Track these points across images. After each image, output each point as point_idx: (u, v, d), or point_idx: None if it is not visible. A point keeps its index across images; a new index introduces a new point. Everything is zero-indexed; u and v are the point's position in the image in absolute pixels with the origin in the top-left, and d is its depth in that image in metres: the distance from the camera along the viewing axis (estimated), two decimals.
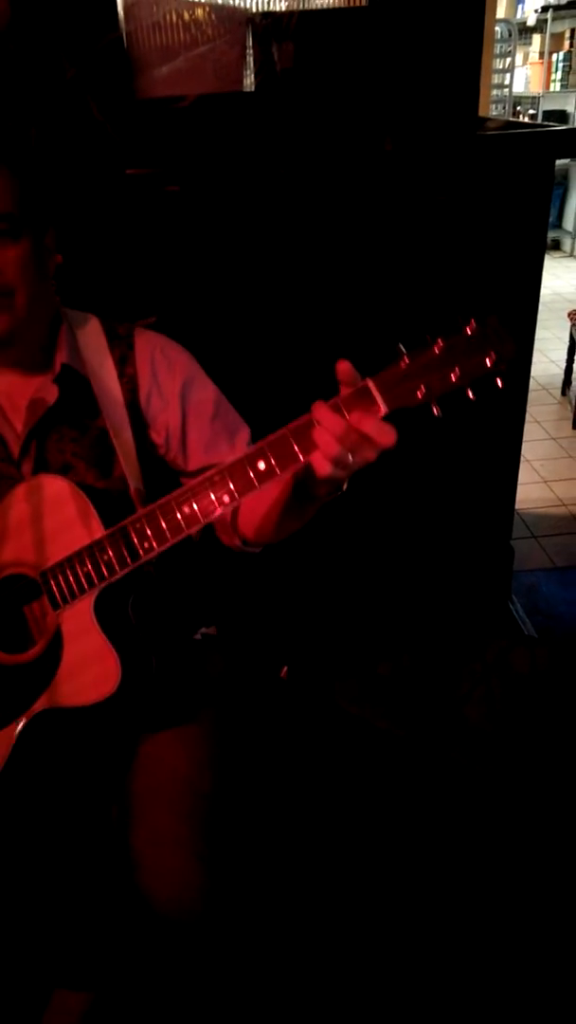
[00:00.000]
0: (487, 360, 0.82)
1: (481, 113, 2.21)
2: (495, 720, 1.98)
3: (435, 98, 1.87)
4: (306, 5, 1.89)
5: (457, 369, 0.83)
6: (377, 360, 0.86)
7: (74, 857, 1.27)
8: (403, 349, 0.85)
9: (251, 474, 0.91)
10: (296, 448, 0.88)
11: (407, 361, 0.84)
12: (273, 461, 0.89)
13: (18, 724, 1.05)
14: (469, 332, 0.83)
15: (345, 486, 0.95)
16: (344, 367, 0.87)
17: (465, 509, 2.29)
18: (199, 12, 1.87)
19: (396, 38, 1.84)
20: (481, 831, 1.75)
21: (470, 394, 0.84)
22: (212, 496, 0.93)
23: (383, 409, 0.85)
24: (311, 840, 1.74)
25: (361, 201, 1.87)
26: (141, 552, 0.98)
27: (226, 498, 0.93)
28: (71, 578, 1.02)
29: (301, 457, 0.89)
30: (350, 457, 0.86)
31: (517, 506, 2.59)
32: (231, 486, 0.92)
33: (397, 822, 1.78)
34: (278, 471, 0.90)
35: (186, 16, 1.86)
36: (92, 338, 1.18)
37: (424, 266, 1.93)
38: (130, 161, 1.81)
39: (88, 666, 1.02)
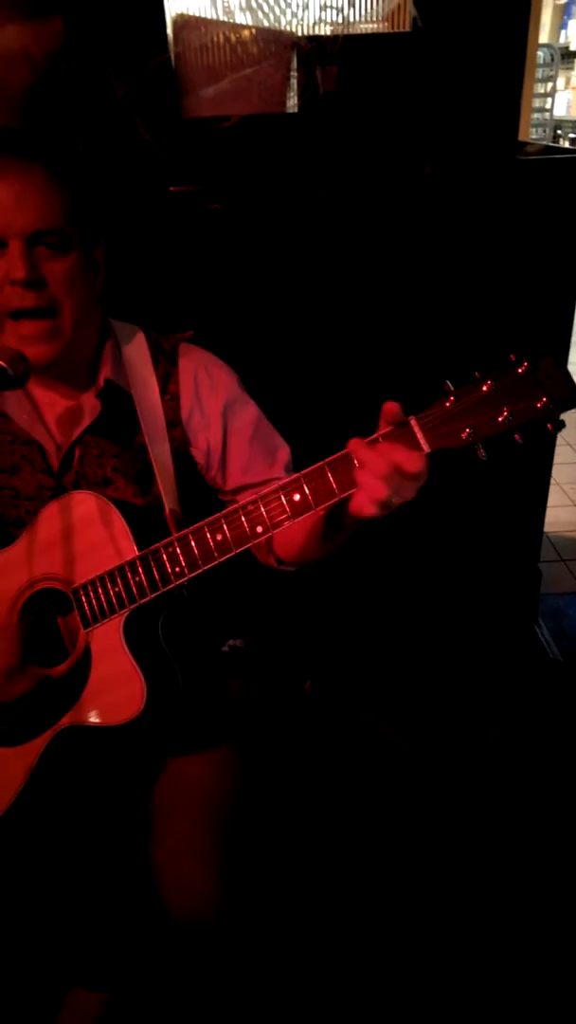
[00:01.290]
0: (538, 404, 0.78)
1: (521, 137, 2.23)
2: (516, 742, 1.97)
3: (476, 122, 1.89)
4: (350, 29, 1.92)
5: (505, 411, 0.79)
6: (415, 387, 0.85)
7: (95, 866, 1.29)
8: (451, 387, 0.82)
9: (286, 505, 0.90)
10: (333, 484, 0.87)
11: (453, 399, 0.81)
12: (309, 494, 0.89)
13: (45, 738, 1.07)
14: (521, 372, 0.79)
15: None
16: (391, 408, 0.84)
17: (494, 530, 2.29)
18: (246, 35, 1.91)
19: (439, 62, 1.86)
20: (492, 849, 1.74)
21: (518, 438, 0.81)
22: (245, 525, 0.93)
23: (425, 448, 0.83)
24: (324, 852, 1.74)
25: (398, 223, 1.89)
26: (172, 577, 0.98)
27: (259, 528, 0.92)
28: (102, 597, 1.03)
29: (337, 492, 0.87)
30: (395, 499, 0.84)
31: (546, 529, 2.58)
32: (264, 516, 0.92)
33: (410, 837, 1.77)
34: (313, 505, 0.89)
35: (233, 39, 1.90)
36: (137, 353, 1.19)
37: (460, 287, 1.94)
38: (174, 179, 1.85)
39: (114, 688, 1.03)
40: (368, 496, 0.84)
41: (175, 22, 1.89)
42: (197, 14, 1.90)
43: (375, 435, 0.86)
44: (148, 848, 1.11)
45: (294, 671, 2.06)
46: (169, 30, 1.87)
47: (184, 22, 1.90)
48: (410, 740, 1.96)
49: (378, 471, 0.82)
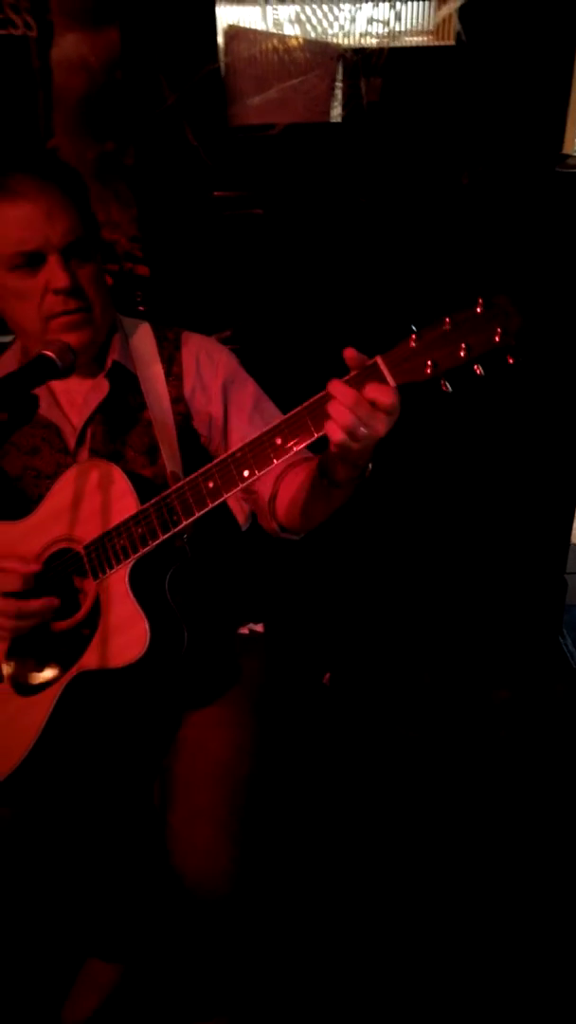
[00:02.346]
0: (495, 337, 0.84)
1: (566, 149, 2.25)
2: (536, 751, 1.99)
3: (517, 134, 1.92)
4: (396, 42, 1.96)
5: (463, 345, 0.86)
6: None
7: (112, 830, 1.35)
8: (414, 328, 0.89)
9: (268, 450, 0.98)
10: (310, 423, 0.95)
11: (415, 337, 0.88)
12: (289, 436, 0.96)
13: (60, 684, 1.13)
14: (479, 310, 0.86)
15: (369, 470, 1.01)
16: (350, 353, 0.92)
17: (520, 539, 2.30)
18: (293, 46, 1.97)
19: (482, 75, 1.90)
20: (499, 851, 1.76)
21: (478, 370, 0.87)
22: (233, 471, 1.01)
23: (391, 383, 0.90)
24: (329, 836, 1.78)
25: (436, 232, 1.93)
26: (170, 524, 1.06)
27: (245, 472, 0.99)
28: (109, 551, 1.11)
29: (314, 432, 0.95)
30: (362, 428, 0.90)
31: (573, 539, 2.58)
32: (251, 460, 0.99)
33: (417, 835, 1.80)
34: (293, 446, 0.96)
35: (281, 50, 1.96)
36: (143, 341, 1.28)
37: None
38: (219, 184, 1.92)
39: (122, 631, 1.10)
40: (337, 423, 0.91)
41: (226, 33, 1.97)
42: (247, 26, 1.97)
43: (347, 376, 0.92)
44: (166, 814, 1.16)
45: (314, 662, 2.11)
46: (220, 41, 1.94)
47: (234, 33, 1.97)
48: (425, 742, 1.98)
49: (347, 401, 0.90)
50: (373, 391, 0.90)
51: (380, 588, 2.28)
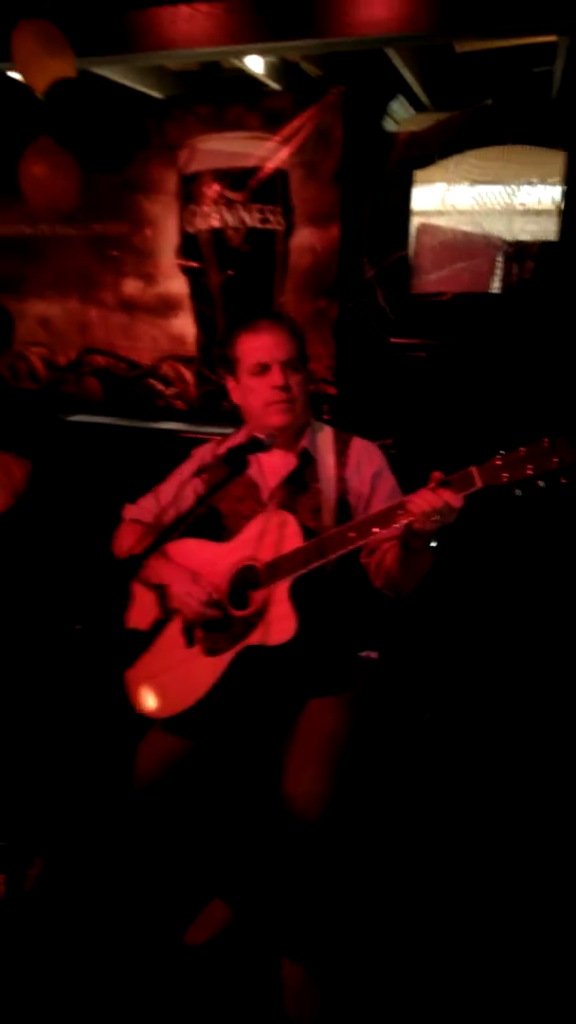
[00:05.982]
0: (552, 464, 1.32)
1: None
2: None
3: None
4: (546, 237, 2.56)
5: (530, 466, 1.33)
6: None
7: (252, 774, 1.82)
8: (500, 452, 1.38)
9: (392, 519, 1.49)
10: (397, 512, 1.46)
11: (500, 459, 1.37)
12: (406, 511, 1.46)
13: (233, 651, 1.65)
14: (544, 445, 1.33)
15: (433, 544, 1.50)
16: (438, 474, 1.41)
17: None
18: (466, 238, 2.63)
19: None
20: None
21: (540, 483, 1.34)
22: (367, 528, 1.53)
23: (479, 484, 1.38)
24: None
25: (547, 385, 2.42)
26: (321, 557, 1.56)
27: (375, 529, 1.52)
28: (278, 569, 1.63)
29: (400, 518, 1.45)
30: (436, 518, 1.40)
31: None
32: (380, 522, 1.51)
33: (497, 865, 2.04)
34: (403, 518, 1.46)
35: (457, 241, 2.63)
36: (325, 439, 1.83)
37: None
38: (396, 333, 2.58)
39: (279, 622, 1.60)
40: (418, 511, 1.39)
41: (417, 228, 2.68)
42: (433, 223, 2.67)
43: (445, 478, 1.42)
44: (284, 759, 1.63)
45: (417, 698, 2.48)
46: (411, 234, 2.65)
47: (423, 228, 2.68)
48: (513, 786, 2.23)
49: (435, 502, 1.39)
50: (449, 495, 1.39)
51: (485, 647, 2.61)
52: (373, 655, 1.95)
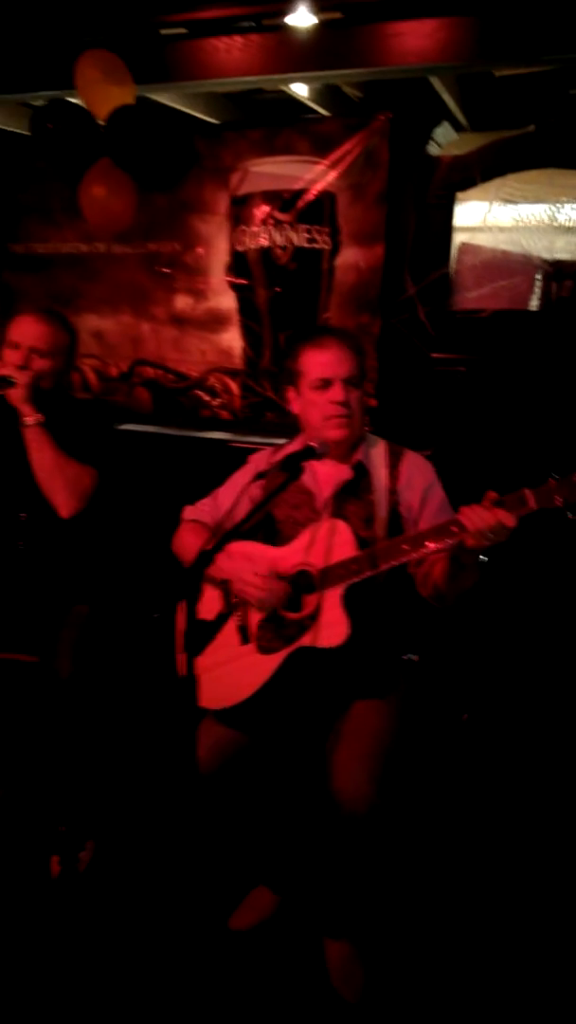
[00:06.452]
0: None
1: None
2: None
3: None
4: None
5: None
6: None
7: (293, 773, 1.91)
8: (554, 475, 1.45)
9: (445, 533, 1.57)
10: (451, 528, 1.53)
11: (552, 481, 1.44)
12: (458, 527, 1.54)
13: (287, 650, 1.74)
14: None
15: (483, 558, 1.56)
16: (492, 494, 1.47)
17: None
18: (506, 257, 2.72)
19: None
20: None
21: None
22: (420, 541, 1.61)
23: (533, 506, 1.45)
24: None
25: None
26: (374, 567, 1.65)
27: (428, 544, 1.60)
28: (332, 576, 1.72)
29: (454, 534, 1.51)
30: (491, 537, 1.46)
31: None
32: (433, 536, 1.59)
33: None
34: (458, 532, 1.53)
35: (496, 260, 2.72)
36: (379, 451, 1.90)
37: None
38: (436, 348, 2.67)
39: (331, 626, 1.69)
40: (472, 528, 1.47)
41: (458, 247, 2.77)
42: (474, 241, 2.76)
43: (495, 498, 1.49)
44: (332, 756, 1.71)
45: (457, 699, 2.55)
46: (453, 252, 2.74)
47: (464, 247, 2.78)
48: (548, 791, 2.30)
49: (482, 521, 1.46)
50: (503, 515, 1.45)
51: (522, 650, 2.68)
52: (414, 658, 2.04)
